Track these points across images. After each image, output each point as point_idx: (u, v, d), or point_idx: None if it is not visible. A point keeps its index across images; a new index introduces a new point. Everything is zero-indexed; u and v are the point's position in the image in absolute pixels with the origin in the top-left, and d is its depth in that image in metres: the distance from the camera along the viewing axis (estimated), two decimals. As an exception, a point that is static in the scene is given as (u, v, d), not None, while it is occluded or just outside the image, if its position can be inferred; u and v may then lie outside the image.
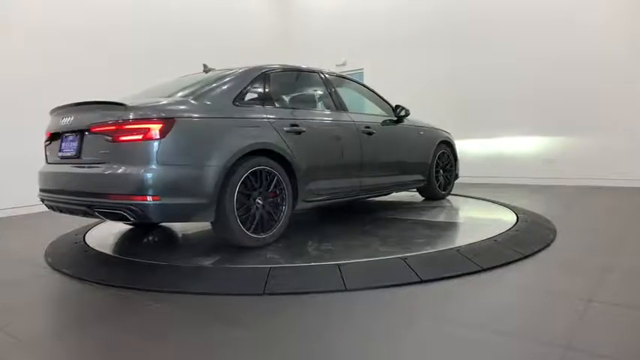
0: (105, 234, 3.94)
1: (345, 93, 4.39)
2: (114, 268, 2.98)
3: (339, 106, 4.05)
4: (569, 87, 6.53)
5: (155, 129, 2.75)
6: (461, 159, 5.41)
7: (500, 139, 7.37)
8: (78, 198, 2.97)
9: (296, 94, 4.22)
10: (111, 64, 6.44)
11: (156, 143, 2.74)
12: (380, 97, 4.60)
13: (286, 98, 4.09)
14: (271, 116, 3.36)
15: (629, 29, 6.13)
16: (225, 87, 3.28)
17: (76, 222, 4.11)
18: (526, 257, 2.89)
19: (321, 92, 4.22)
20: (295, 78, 4.14)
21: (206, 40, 7.62)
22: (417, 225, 3.85)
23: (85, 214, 3.01)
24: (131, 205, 2.72)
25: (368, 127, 4.07)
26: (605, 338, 1.82)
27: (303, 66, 4.13)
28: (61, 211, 3.21)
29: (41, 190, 3.35)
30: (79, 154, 3.04)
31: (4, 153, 5.44)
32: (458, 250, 2.91)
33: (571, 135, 6.73)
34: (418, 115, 4.92)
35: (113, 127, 2.82)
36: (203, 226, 3.90)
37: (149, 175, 2.71)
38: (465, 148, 5.56)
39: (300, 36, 9.36)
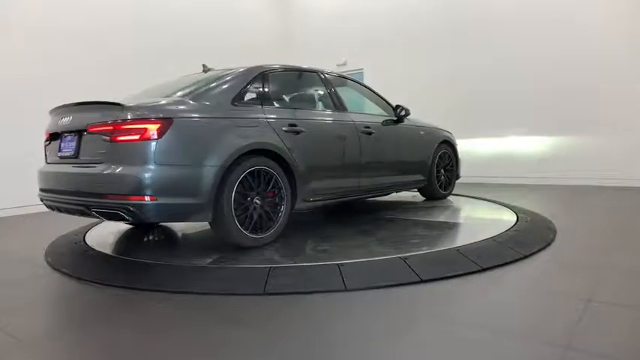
0: (105, 234, 3.94)
1: (345, 93, 4.39)
2: (114, 268, 2.98)
3: (339, 105, 4.05)
4: (569, 87, 6.53)
5: (152, 129, 2.76)
6: (461, 159, 5.40)
7: (501, 139, 7.37)
8: (76, 198, 2.98)
9: (295, 94, 4.22)
10: (111, 64, 6.44)
11: (153, 143, 2.75)
12: (380, 96, 4.59)
13: (285, 98, 4.09)
14: (269, 116, 3.36)
15: (629, 29, 6.12)
16: (223, 87, 3.28)
17: (76, 222, 4.11)
18: (526, 257, 2.89)
19: (320, 92, 4.22)
20: (294, 78, 4.14)
21: (206, 40, 7.62)
22: (417, 225, 3.85)
23: (83, 214, 3.02)
24: (128, 205, 2.73)
25: (367, 127, 4.07)
26: (605, 338, 1.82)
27: (303, 66, 4.13)
28: (60, 211, 3.22)
29: (41, 190, 3.37)
30: (77, 154, 3.05)
31: (4, 153, 5.44)
32: (458, 249, 2.91)
33: (571, 135, 6.73)
34: (418, 115, 4.92)
35: (110, 127, 2.82)
36: (203, 225, 3.90)
37: (146, 176, 2.72)
38: (465, 147, 5.55)
39: (300, 36, 9.36)
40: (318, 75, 4.11)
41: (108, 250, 3.37)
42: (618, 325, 1.93)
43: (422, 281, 2.48)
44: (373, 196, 4.72)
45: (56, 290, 2.80)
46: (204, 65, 3.94)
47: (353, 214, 4.56)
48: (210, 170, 2.88)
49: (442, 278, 2.52)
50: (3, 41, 5.60)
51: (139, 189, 2.71)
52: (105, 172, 2.80)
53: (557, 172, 6.67)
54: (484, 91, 7.29)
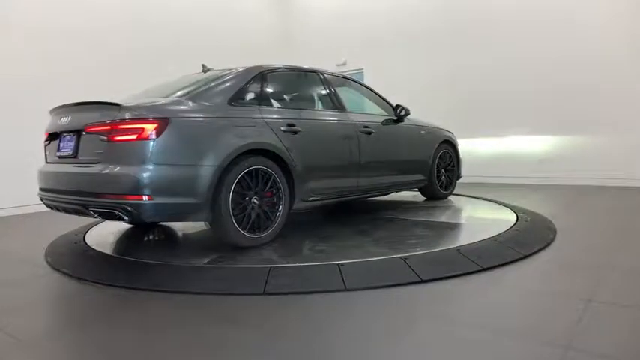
0: (105, 233, 3.94)
1: (345, 93, 4.38)
2: (114, 267, 2.98)
3: (338, 105, 4.05)
4: (569, 87, 6.53)
5: (149, 129, 2.76)
6: (462, 158, 5.40)
7: (501, 139, 7.37)
8: (74, 197, 3.00)
9: (293, 93, 4.22)
10: (111, 64, 6.44)
11: (150, 143, 2.75)
12: (380, 96, 4.59)
13: (283, 98, 4.09)
14: (267, 116, 3.36)
15: (629, 29, 6.12)
16: (221, 87, 3.29)
17: (76, 222, 4.11)
18: (526, 257, 2.89)
19: (319, 92, 4.21)
20: (293, 78, 4.14)
21: (206, 40, 7.62)
22: (416, 225, 3.85)
23: (81, 213, 3.03)
24: (125, 204, 2.73)
25: (367, 127, 4.07)
26: (605, 338, 1.82)
27: (302, 66, 4.13)
28: (59, 211, 3.23)
29: (41, 190, 3.38)
30: (76, 154, 3.06)
31: (4, 153, 5.44)
32: (458, 249, 2.91)
33: (571, 135, 6.73)
34: (418, 115, 4.92)
35: (108, 127, 2.84)
36: (203, 225, 3.90)
37: (143, 175, 2.73)
38: (466, 147, 5.55)
39: (300, 36, 9.36)
40: (317, 75, 4.11)
41: (108, 250, 3.37)
42: (618, 325, 1.93)
43: (422, 281, 2.48)
44: (373, 196, 4.72)
45: (56, 290, 2.81)
46: (203, 65, 3.95)
47: (352, 213, 4.56)
48: (207, 170, 2.89)
49: (442, 278, 2.52)
50: (3, 41, 5.60)
51: (136, 189, 2.72)
52: (102, 171, 2.81)
53: (557, 172, 6.66)
54: (484, 91, 7.29)
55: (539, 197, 5.66)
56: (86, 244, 3.54)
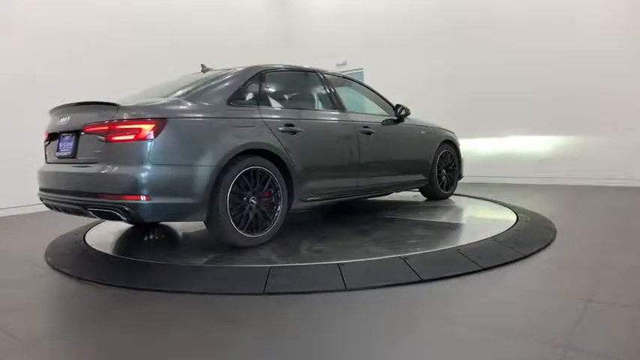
0: (105, 233, 3.94)
1: (345, 93, 4.38)
2: (114, 267, 2.98)
3: (337, 105, 4.05)
4: (569, 87, 6.53)
5: (147, 129, 2.77)
6: (463, 158, 5.40)
7: (501, 139, 7.37)
8: (73, 197, 3.01)
9: (292, 93, 4.22)
10: (111, 64, 6.44)
11: (148, 143, 2.76)
12: (380, 96, 4.58)
13: (282, 98, 4.09)
14: (266, 116, 3.36)
15: (629, 29, 6.12)
16: (219, 87, 3.29)
17: (76, 222, 4.11)
18: (526, 257, 2.89)
19: (318, 92, 4.21)
20: (292, 78, 4.14)
21: (206, 40, 7.62)
22: (417, 225, 3.84)
23: (80, 213, 3.04)
24: (123, 204, 2.74)
25: (366, 127, 4.06)
26: (605, 338, 1.81)
27: (301, 65, 4.13)
28: (58, 210, 3.24)
29: (41, 190, 3.39)
30: (74, 154, 3.07)
31: (4, 153, 5.44)
32: (458, 249, 2.91)
33: (571, 135, 6.73)
34: (418, 115, 4.91)
35: (106, 128, 2.85)
36: (202, 225, 3.90)
37: (140, 175, 2.73)
38: (466, 147, 5.54)
39: (300, 36, 9.36)
40: (317, 75, 4.11)
41: (108, 250, 3.37)
42: (618, 325, 1.93)
43: (422, 281, 2.48)
44: (373, 196, 4.72)
45: (56, 290, 2.81)
46: (202, 65, 3.95)
47: (352, 213, 4.56)
48: (204, 170, 2.89)
49: (442, 278, 2.52)
50: (3, 41, 5.60)
51: (133, 189, 2.73)
52: (100, 171, 2.82)
53: (557, 172, 6.66)
54: (484, 91, 7.29)
55: (539, 197, 5.66)
56: (86, 244, 3.54)
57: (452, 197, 5.29)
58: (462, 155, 5.38)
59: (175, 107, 3.02)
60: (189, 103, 3.07)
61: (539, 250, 3.04)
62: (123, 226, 4.09)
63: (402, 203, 5.11)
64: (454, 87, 7.61)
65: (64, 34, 6.07)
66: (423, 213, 4.45)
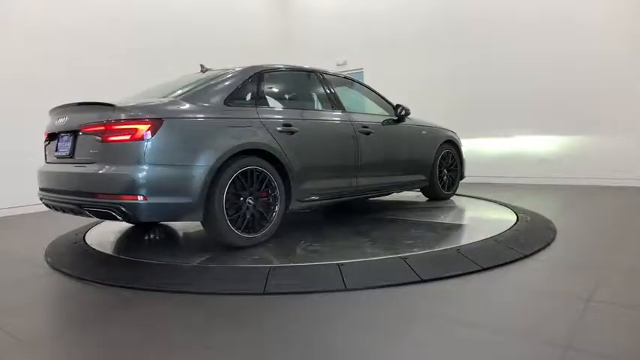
0: (105, 233, 3.94)
1: (345, 93, 4.38)
2: (114, 267, 2.98)
3: (336, 105, 4.04)
4: (569, 87, 6.53)
5: (143, 129, 2.78)
6: (465, 158, 5.39)
7: (501, 139, 7.37)
8: (70, 197, 3.03)
9: (291, 93, 4.22)
10: (111, 64, 6.44)
11: (144, 143, 2.77)
12: (380, 96, 4.58)
13: (281, 98, 4.10)
14: (263, 116, 3.36)
15: (629, 29, 6.12)
16: (217, 87, 3.30)
17: (76, 221, 4.11)
18: (526, 257, 2.89)
19: (317, 92, 4.20)
20: (290, 78, 4.14)
21: (206, 40, 7.62)
22: (417, 225, 3.84)
23: (77, 212, 3.06)
24: (119, 204, 2.76)
25: (366, 127, 4.06)
26: (605, 338, 1.82)
27: (299, 65, 4.12)
28: (57, 210, 3.26)
29: (40, 189, 3.40)
30: (72, 154, 3.09)
31: (4, 153, 5.44)
32: (458, 249, 2.91)
33: (571, 135, 6.73)
34: (418, 115, 4.91)
35: (102, 128, 2.86)
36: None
37: (137, 175, 2.75)
38: (465, 147, 5.54)
39: (300, 36, 9.36)
40: (316, 75, 4.11)
41: (108, 250, 3.37)
42: (618, 325, 1.93)
43: (422, 281, 2.48)
44: (373, 196, 4.72)
45: (56, 290, 2.80)
46: (201, 65, 3.95)
47: (352, 213, 4.56)
48: (200, 170, 2.90)
49: (442, 278, 2.52)
50: (3, 41, 5.60)
51: (129, 188, 2.74)
52: (97, 171, 2.84)
53: (557, 172, 6.67)
54: (484, 91, 7.29)
55: (539, 197, 5.66)
56: (86, 243, 3.54)
57: (454, 197, 5.28)
58: (464, 155, 5.37)
59: (171, 107, 3.03)
60: (186, 104, 3.08)
61: (539, 250, 3.04)
62: (123, 225, 4.09)
63: (404, 203, 5.11)
64: (454, 87, 7.61)
65: (64, 34, 6.07)
66: (423, 213, 4.45)
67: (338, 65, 8.55)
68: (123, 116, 2.83)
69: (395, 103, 4.53)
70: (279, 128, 3.37)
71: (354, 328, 1.98)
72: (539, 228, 3.62)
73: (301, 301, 2.32)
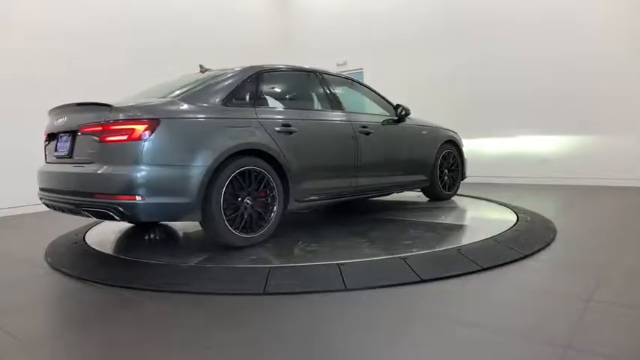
0: (105, 233, 3.94)
1: (345, 93, 4.37)
2: (114, 267, 2.98)
3: (335, 105, 4.04)
4: (569, 87, 6.53)
5: (140, 129, 2.79)
6: (466, 159, 5.39)
7: (501, 139, 7.37)
8: (68, 197, 3.04)
9: (289, 93, 4.22)
10: (111, 64, 6.44)
11: (141, 143, 2.78)
12: (381, 96, 4.58)
13: (279, 98, 4.09)
14: (262, 116, 3.36)
15: (629, 29, 6.12)
16: (215, 87, 3.30)
17: (76, 221, 4.11)
18: (526, 257, 2.89)
19: (316, 92, 4.19)
20: (289, 78, 4.14)
21: (206, 40, 7.62)
22: (417, 225, 3.84)
23: (75, 212, 3.07)
24: (117, 204, 2.76)
25: (365, 127, 4.06)
26: (605, 338, 1.82)
27: (299, 65, 4.12)
28: (56, 210, 3.27)
29: (40, 189, 3.42)
30: (71, 154, 3.10)
31: (4, 153, 5.44)
32: (458, 249, 2.91)
33: (571, 135, 6.73)
34: (418, 115, 4.91)
35: (100, 128, 2.87)
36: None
37: (134, 175, 2.75)
38: (465, 147, 5.54)
39: (300, 36, 9.36)
40: (315, 75, 4.11)
41: (108, 250, 3.37)
42: (618, 325, 1.93)
43: (422, 281, 2.48)
44: (372, 196, 4.71)
45: (56, 290, 2.80)
46: (201, 66, 3.95)
47: (352, 214, 4.56)
48: (198, 170, 2.90)
49: (442, 278, 2.52)
50: (3, 41, 5.60)
51: (127, 189, 2.75)
52: (94, 171, 2.85)
53: (558, 172, 6.66)
54: (484, 91, 7.29)
55: (539, 197, 5.66)
56: (86, 243, 3.54)
57: (454, 197, 5.28)
58: (465, 156, 5.36)
59: (169, 108, 3.03)
60: (184, 104, 3.09)
61: (539, 250, 3.04)
62: (123, 225, 4.09)
63: (404, 203, 5.11)
64: (454, 87, 7.61)
65: (64, 34, 6.07)
66: (423, 213, 4.45)
67: (338, 65, 8.55)
68: (120, 116, 2.84)
69: (395, 103, 4.53)
70: (277, 128, 3.37)
71: (354, 328, 1.98)
72: (539, 228, 3.62)
73: (301, 301, 2.32)
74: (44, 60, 5.88)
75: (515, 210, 4.24)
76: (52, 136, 3.38)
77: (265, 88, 3.71)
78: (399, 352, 1.74)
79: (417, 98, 6.60)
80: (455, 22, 7.57)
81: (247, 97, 3.47)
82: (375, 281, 2.49)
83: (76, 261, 3.24)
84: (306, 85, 4.21)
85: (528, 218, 3.85)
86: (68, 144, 3.13)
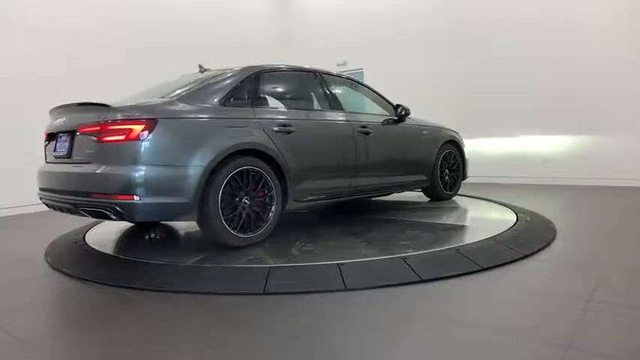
0: (105, 233, 3.94)
1: (344, 93, 4.37)
2: (114, 267, 2.98)
3: (334, 105, 4.04)
4: (569, 87, 6.53)
5: (137, 129, 2.79)
6: (467, 159, 5.38)
7: (501, 139, 7.37)
8: (67, 196, 3.04)
9: (288, 93, 4.22)
10: (111, 64, 6.44)
11: (139, 143, 2.78)
12: (381, 96, 4.57)
13: (278, 98, 4.08)
14: (260, 116, 3.36)
15: (629, 29, 6.12)
16: (214, 87, 3.31)
17: (76, 221, 4.11)
18: (526, 257, 2.89)
19: (315, 92, 4.18)
20: (288, 78, 4.14)
21: (206, 40, 7.62)
22: (417, 225, 3.84)
23: (73, 212, 3.07)
24: (114, 204, 2.77)
25: (364, 127, 4.05)
26: (605, 338, 1.82)
27: (298, 65, 4.11)
28: (55, 210, 3.27)
29: (40, 189, 3.42)
30: (70, 154, 3.11)
31: (4, 153, 5.44)
32: (458, 249, 2.91)
33: (571, 135, 6.73)
34: (418, 115, 4.90)
35: (98, 128, 2.88)
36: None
37: (131, 175, 2.76)
38: (466, 147, 5.54)
39: (300, 36, 9.36)
40: (314, 75, 4.10)
41: (108, 250, 3.37)
42: (618, 325, 1.93)
43: (422, 281, 2.48)
44: (372, 197, 4.71)
45: (56, 290, 2.81)
46: (200, 66, 3.95)
47: (352, 214, 4.56)
48: (195, 170, 2.90)
49: (442, 278, 2.52)
50: (3, 41, 5.60)
51: (124, 188, 2.75)
52: (93, 171, 2.85)
53: (558, 173, 6.66)
54: (484, 91, 7.28)
55: (539, 197, 5.66)
56: (86, 243, 3.54)
57: (455, 197, 5.27)
58: (467, 156, 5.36)
59: (167, 107, 3.03)
60: (182, 104, 3.09)
61: (539, 250, 3.04)
62: (123, 225, 4.09)
63: (404, 204, 5.10)
64: (454, 87, 7.60)
65: (64, 34, 6.07)
66: (423, 213, 4.45)
67: (338, 65, 8.54)
68: (118, 116, 2.85)
69: (395, 103, 4.53)
70: (275, 128, 3.37)
71: (354, 328, 1.98)
72: (539, 228, 3.62)
73: (301, 301, 2.32)
74: (44, 60, 5.88)
75: (515, 210, 4.24)
76: (51, 136, 3.39)
77: (264, 88, 3.71)
78: (399, 352, 1.74)
79: (417, 98, 6.60)
80: (455, 22, 7.57)
81: (246, 97, 3.47)
82: (375, 281, 2.49)
83: (76, 261, 3.24)
84: (305, 85, 4.20)
85: (528, 218, 3.85)
86: (67, 144, 3.13)
